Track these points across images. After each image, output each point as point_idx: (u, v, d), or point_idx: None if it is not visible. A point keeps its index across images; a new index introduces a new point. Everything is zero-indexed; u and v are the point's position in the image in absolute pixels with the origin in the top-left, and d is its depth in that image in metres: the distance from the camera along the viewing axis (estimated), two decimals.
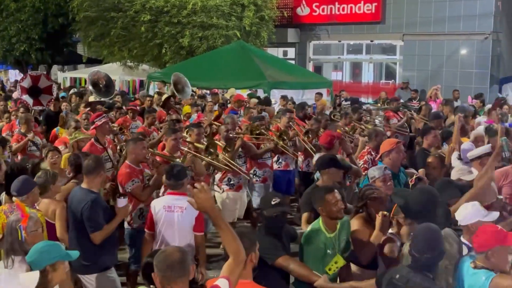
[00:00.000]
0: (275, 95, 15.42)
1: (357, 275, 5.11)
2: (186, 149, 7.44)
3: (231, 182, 8.31)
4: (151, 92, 16.84)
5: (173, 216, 5.53)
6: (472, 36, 19.28)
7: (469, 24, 19.21)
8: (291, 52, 23.69)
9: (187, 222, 5.51)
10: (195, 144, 7.74)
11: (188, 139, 7.93)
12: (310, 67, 23.36)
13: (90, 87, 12.43)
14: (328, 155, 6.48)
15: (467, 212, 4.49)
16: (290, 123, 9.37)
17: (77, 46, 27.16)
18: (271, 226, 4.81)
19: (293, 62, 22.30)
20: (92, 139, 7.89)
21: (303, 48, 23.35)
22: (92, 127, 8.24)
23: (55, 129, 10.11)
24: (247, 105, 12.10)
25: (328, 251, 4.81)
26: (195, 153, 7.40)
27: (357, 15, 21.55)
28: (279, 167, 9.42)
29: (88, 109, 11.19)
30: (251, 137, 8.82)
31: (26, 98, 11.49)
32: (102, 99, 12.07)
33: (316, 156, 7.68)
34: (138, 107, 11.80)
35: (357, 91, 18.74)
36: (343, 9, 21.79)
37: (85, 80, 22.96)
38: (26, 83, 11.57)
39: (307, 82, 16.47)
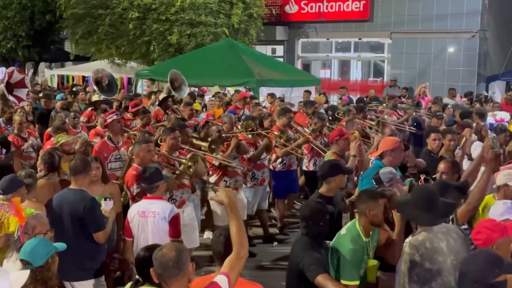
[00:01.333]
0: (264, 93, 15.42)
1: (382, 280, 5.06)
2: (187, 147, 7.33)
3: (227, 185, 8.06)
4: (138, 90, 16.80)
5: (146, 221, 5.39)
6: (459, 34, 19.41)
7: (457, 22, 19.34)
8: (280, 49, 23.71)
9: (161, 227, 5.36)
10: (196, 142, 7.65)
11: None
12: (298, 64, 23.39)
13: (94, 86, 12.09)
14: (332, 161, 6.16)
15: (498, 209, 4.65)
16: (291, 123, 9.23)
17: (65, 44, 27.01)
18: (318, 236, 4.62)
19: (281, 59, 22.28)
20: (105, 137, 7.77)
21: (291, 46, 23.38)
22: (104, 124, 8.18)
23: (49, 129, 9.66)
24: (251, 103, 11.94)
25: (365, 256, 4.73)
26: (197, 151, 7.27)
27: (345, 13, 21.61)
28: (282, 168, 9.29)
29: (90, 108, 11.06)
30: (246, 135, 8.67)
31: (11, 98, 11.03)
32: (106, 98, 11.74)
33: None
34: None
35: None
36: (331, 7, 21.85)
37: (73, 78, 22.91)
38: (6, 81, 11.21)
39: (295, 79, 16.47)
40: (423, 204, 4.32)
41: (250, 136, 8.64)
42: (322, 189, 5.62)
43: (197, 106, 11.46)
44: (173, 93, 11.57)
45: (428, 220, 4.30)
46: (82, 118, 10.54)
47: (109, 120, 7.76)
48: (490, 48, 20.01)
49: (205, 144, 7.77)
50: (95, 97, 11.57)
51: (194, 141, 8.10)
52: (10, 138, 8.53)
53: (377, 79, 22.69)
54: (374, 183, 5.61)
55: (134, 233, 5.49)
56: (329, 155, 7.04)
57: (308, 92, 15.61)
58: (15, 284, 3.45)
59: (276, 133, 8.99)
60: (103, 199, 5.59)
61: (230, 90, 15.63)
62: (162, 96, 11.68)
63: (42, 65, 27.15)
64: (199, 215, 7.95)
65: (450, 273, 4.14)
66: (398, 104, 13.21)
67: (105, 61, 20.80)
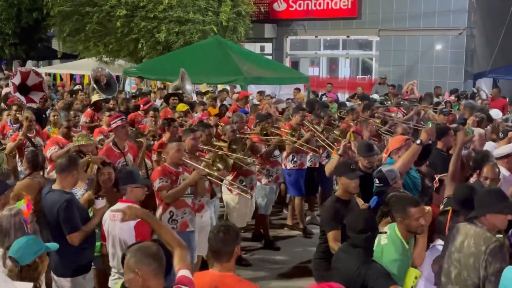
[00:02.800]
0: (252, 91, 15.42)
1: None
2: (206, 148, 7.15)
3: (243, 184, 7.85)
4: (127, 88, 16.72)
5: (114, 225, 5.06)
6: (446, 31, 19.52)
7: (444, 19, 19.45)
8: (268, 47, 23.72)
9: (126, 231, 4.97)
10: (216, 143, 7.39)
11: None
12: (287, 62, 23.41)
13: (93, 84, 11.85)
14: (345, 161, 6.02)
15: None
16: (304, 121, 9.04)
17: (52, 41, 26.84)
18: (372, 246, 4.34)
19: (270, 57, 22.31)
20: (110, 143, 7.35)
21: (280, 44, 23.39)
22: (108, 129, 7.78)
23: (46, 128, 9.54)
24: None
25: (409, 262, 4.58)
26: (218, 151, 7.07)
27: (334, 11, 21.66)
28: (294, 166, 9.10)
29: (92, 108, 10.84)
30: (260, 138, 8.45)
31: (19, 95, 10.88)
32: (106, 97, 11.47)
33: None
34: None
35: (334, 87, 18.78)
36: (319, 5, 21.88)
37: (60, 76, 22.76)
38: (17, 80, 11.01)
39: (284, 77, 16.50)
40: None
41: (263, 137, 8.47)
42: (338, 192, 5.46)
43: (180, 107, 11.22)
44: (184, 90, 11.33)
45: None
46: (85, 119, 10.39)
47: (113, 125, 7.31)
48: (477, 45, 20.15)
49: (224, 144, 7.49)
50: (95, 97, 11.29)
51: (214, 142, 7.85)
52: (15, 136, 8.43)
53: (365, 77, 22.77)
54: (377, 182, 5.55)
55: (107, 236, 5.23)
56: (334, 156, 6.88)
57: (298, 89, 15.64)
58: None
59: (288, 131, 8.80)
60: (95, 197, 5.51)
61: (219, 88, 15.60)
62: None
63: (29, 63, 26.93)
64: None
65: (475, 275, 4.10)
66: (402, 102, 13.03)
67: (93, 59, 20.70)
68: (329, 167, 6.77)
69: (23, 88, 10.99)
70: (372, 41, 22.04)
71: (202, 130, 7.50)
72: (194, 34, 18.51)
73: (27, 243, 3.82)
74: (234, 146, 7.44)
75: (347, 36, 22.48)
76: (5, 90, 13.50)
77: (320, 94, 17.13)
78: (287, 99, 13.89)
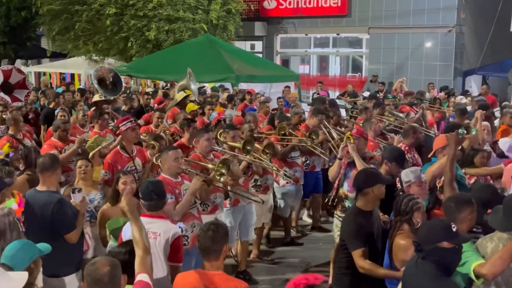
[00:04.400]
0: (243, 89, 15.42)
1: None
2: (220, 149, 6.95)
3: (258, 183, 7.69)
4: None
5: (154, 243, 4.61)
6: (436, 29, 19.61)
7: (433, 17, 19.55)
8: (259, 45, 23.72)
9: (161, 250, 4.62)
10: (230, 143, 7.16)
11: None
12: (277, 60, 23.42)
13: (96, 85, 11.27)
14: (368, 170, 5.56)
15: None
16: (321, 125, 8.85)
17: (41, 40, 26.69)
18: (450, 260, 3.69)
19: (260, 55, 22.32)
20: (118, 146, 6.95)
21: (270, 42, 23.40)
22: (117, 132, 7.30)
23: (51, 128, 9.10)
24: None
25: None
26: (234, 154, 6.92)
27: (324, 9, 21.69)
28: (306, 169, 8.87)
29: (93, 108, 10.45)
30: (277, 138, 8.22)
31: (3, 95, 10.60)
32: (107, 98, 11.06)
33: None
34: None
35: (324, 85, 18.83)
36: (309, 3, 21.90)
37: (50, 75, 22.62)
38: (2, 81, 10.74)
39: (274, 75, 16.50)
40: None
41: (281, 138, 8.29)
42: (360, 203, 4.97)
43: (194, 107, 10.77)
44: (192, 90, 11.16)
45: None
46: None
47: (122, 128, 6.92)
48: (466, 42, 20.24)
49: (238, 145, 7.21)
50: (95, 97, 11.00)
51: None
52: (4, 140, 7.96)
53: (355, 74, 22.83)
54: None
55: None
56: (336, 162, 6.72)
57: (289, 87, 15.66)
58: (17, 284, 3.38)
59: (305, 133, 8.60)
60: (71, 191, 5.41)
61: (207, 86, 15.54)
62: (180, 94, 11.02)
63: (18, 62, 26.77)
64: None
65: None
66: (415, 101, 12.88)
67: (83, 58, 20.62)
68: (332, 172, 6.64)
69: (6, 87, 10.72)
70: (362, 39, 22.10)
71: (226, 132, 7.32)
72: (184, 32, 18.48)
73: (22, 248, 3.70)
74: (248, 147, 7.17)
75: (337, 34, 22.53)
76: None
77: (312, 92, 17.16)
78: (278, 97, 13.88)
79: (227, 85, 14.99)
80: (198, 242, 3.94)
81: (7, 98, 10.59)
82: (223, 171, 6.10)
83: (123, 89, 12.56)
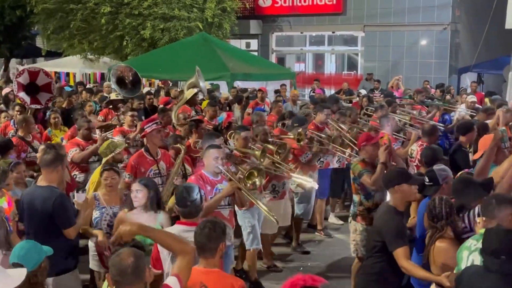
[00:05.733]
0: (239, 87, 15.42)
1: None
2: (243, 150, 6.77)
3: (276, 189, 7.46)
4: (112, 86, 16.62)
5: None
6: (431, 26, 19.65)
7: (428, 15, 19.60)
8: (254, 43, 23.70)
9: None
10: (243, 150, 6.92)
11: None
12: (273, 58, 23.43)
13: (114, 84, 11.07)
14: (399, 169, 5.52)
15: None
16: (328, 120, 8.78)
17: (36, 39, 26.60)
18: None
19: (256, 53, 22.30)
20: (142, 149, 6.79)
21: (265, 40, 23.40)
22: (141, 134, 7.08)
23: (47, 130, 9.20)
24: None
25: None
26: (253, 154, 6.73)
27: (319, 7, 21.71)
28: (320, 166, 8.72)
29: (110, 107, 10.56)
30: (298, 144, 7.93)
31: (23, 95, 10.21)
32: (124, 97, 10.91)
33: None
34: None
35: (320, 83, 18.85)
36: (304, 1, 21.93)
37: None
38: (23, 79, 10.30)
39: (270, 73, 16.49)
40: None
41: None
42: (393, 202, 4.91)
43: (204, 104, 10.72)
44: (201, 88, 11.07)
45: None
46: (99, 117, 10.17)
47: (148, 130, 6.67)
48: (461, 40, 20.30)
49: (256, 153, 6.92)
50: (112, 96, 10.97)
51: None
52: (13, 141, 7.75)
53: (351, 72, 22.85)
54: (427, 180, 5.27)
55: (164, 268, 4.46)
56: (355, 164, 6.53)
57: (285, 85, 15.67)
58: (15, 281, 3.38)
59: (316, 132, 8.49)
60: (75, 191, 5.39)
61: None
62: (190, 92, 11.02)
63: (13, 61, 26.72)
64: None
65: None
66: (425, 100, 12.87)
67: (78, 57, 20.59)
68: (377, 179, 6.21)
69: (32, 88, 10.31)
70: (357, 36, 22.12)
71: (238, 133, 7.10)
72: (179, 30, 18.45)
73: (31, 248, 3.72)
74: (280, 150, 6.99)
75: (333, 32, 22.54)
76: (5, 91, 13.18)
77: (307, 90, 17.17)
78: (278, 95, 13.82)
79: (222, 83, 15.00)
80: (195, 239, 3.94)
81: (27, 99, 10.22)
82: (257, 181, 5.92)
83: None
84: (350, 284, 6.59)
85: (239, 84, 15.22)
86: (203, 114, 10.08)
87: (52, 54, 23.49)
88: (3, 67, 24.97)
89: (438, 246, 4.46)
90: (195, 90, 10.52)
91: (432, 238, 4.52)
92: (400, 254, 4.58)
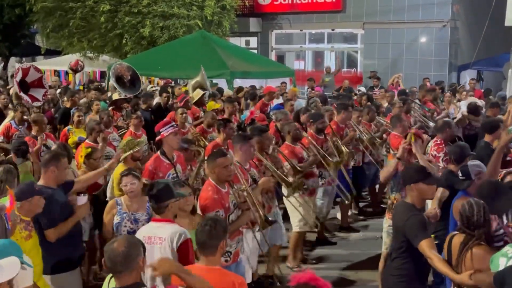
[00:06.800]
0: (238, 85, 15.41)
1: None
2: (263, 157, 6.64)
3: (304, 186, 7.31)
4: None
5: (153, 249, 4.32)
6: (430, 24, 19.63)
7: (428, 12, 19.57)
8: (254, 41, 23.71)
9: (168, 255, 4.30)
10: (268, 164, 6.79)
11: None
12: (272, 56, 23.42)
13: (114, 83, 11.07)
14: (417, 166, 5.43)
15: None
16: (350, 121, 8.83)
17: (35, 38, 26.59)
18: None
19: (255, 51, 22.31)
20: (158, 152, 6.64)
21: (265, 38, 23.39)
22: (157, 138, 6.78)
23: (66, 128, 9.05)
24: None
25: None
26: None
27: (318, 4, 21.69)
28: (323, 184, 8.47)
29: (112, 107, 10.46)
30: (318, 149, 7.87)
31: (23, 95, 10.20)
32: (127, 96, 10.86)
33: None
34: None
35: (319, 80, 18.85)
36: None
37: (45, 72, 22.53)
38: (19, 78, 10.28)
39: (269, 71, 16.50)
40: None
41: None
42: (409, 199, 4.88)
43: (215, 105, 10.56)
44: (207, 88, 11.03)
45: None
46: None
47: (164, 133, 6.48)
48: (461, 37, 20.28)
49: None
50: (115, 95, 10.85)
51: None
52: (26, 141, 7.69)
53: (350, 70, 22.83)
54: (461, 175, 5.32)
55: None
56: (390, 162, 6.47)
57: (285, 83, 15.67)
58: (10, 271, 3.39)
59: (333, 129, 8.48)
60: (76, 194, 5.40)
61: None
62: (197, 93, 10.87)
63: (12, 59, 26.69)
64: None
65: None
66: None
67: (77, 55, 20.55)
68: (385, 173, 6.38)
69: (23, 86, 10.31)
70: (357, 34, 22.12)
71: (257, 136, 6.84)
72: (178, 29, 18.44)
73: (10, 246, 3.67)
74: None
75: (332, 30, 22.54)
76: (13, 90, 13.07)
77: (306, 88, 17.14)
78: (283, 93, 13.79)
79: (221, 81, 14.99)
80: (196, 236, 3.98)
81: (27, 98, 10.21)
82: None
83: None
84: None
85: (238, 82, 15.21)
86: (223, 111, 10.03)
87: (51, 53, 23.46)
88: (2, 65, 24.95)
89: (475, 252, 4.33)
90: (202, 91, 10.55)
91: (468, 245, 4.39)
92: (425, 246, 4.52)
